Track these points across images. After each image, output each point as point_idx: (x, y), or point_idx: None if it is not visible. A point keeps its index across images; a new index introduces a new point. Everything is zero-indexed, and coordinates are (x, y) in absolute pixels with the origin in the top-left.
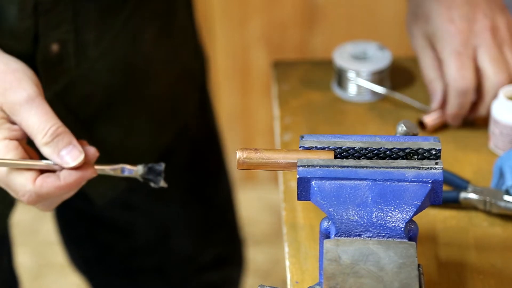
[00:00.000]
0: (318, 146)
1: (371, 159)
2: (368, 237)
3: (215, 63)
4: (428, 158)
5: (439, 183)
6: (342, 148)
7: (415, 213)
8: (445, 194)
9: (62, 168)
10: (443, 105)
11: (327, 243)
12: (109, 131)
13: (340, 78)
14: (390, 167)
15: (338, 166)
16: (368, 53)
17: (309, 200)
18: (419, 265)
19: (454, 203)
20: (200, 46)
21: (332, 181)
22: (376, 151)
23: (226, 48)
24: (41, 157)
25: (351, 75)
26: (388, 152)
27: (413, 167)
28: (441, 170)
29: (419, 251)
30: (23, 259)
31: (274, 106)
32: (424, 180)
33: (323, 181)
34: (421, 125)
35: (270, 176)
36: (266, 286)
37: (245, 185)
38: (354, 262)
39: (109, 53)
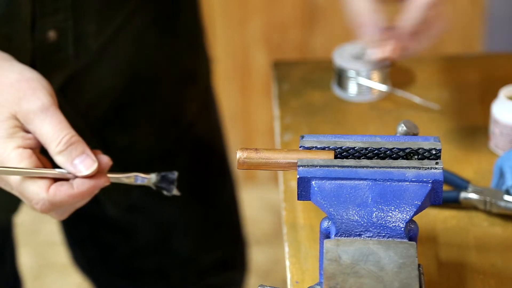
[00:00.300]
0: (318, 146)
1: (371, 159)
2: (368, 237)
3: (215, 63)
4: (428, 158)
5: (439, 183)
6: (342, 148)
7: (415, 213)
8: (445, 194)
9: (76, 177)
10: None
11: (327, 243)
12: (115, 134)
13: (340, 78)
14: (390, 167)
15: (338, 166)
16: (368, 53)
17: (309, 200)
18: (419, 265)
19: (454, 203)
20: (206, 48)
21: (332, 181)
22: (376, 151)
23: (226, 48)
24: (54, 166)
25: (351, 75)
26: (388, 152)
27: (413, 167)
28: (441, 170)
29: (419, 251)
30: (24, 259)
31: (274, 106)
32: (424, 180)
33: (323, 181)
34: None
35: (270, 176)
36: (266, 286)
37: (246, 185)
38: (354, 262)
39: (110, 50)
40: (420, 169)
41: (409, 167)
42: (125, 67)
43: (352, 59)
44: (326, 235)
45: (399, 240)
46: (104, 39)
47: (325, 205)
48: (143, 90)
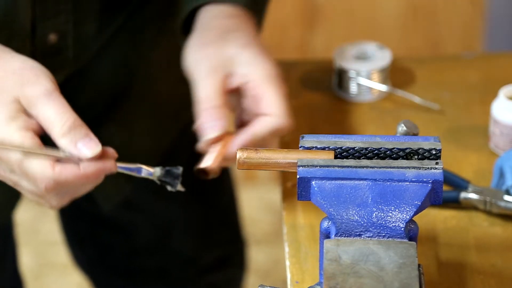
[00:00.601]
0: (318, 146)
1: (371, 159)
2: (368, 237)
3: None
4: (428, 158)
5: (439, 183)
6: (343, 148)
7: (415, 213)
8: (445, 194)
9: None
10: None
11: (327, 243)
12: (113, 132)
13: (340, 78)
14: (390, 167)
15: (338, 166)
16: (368, 53)
17: (309, 200)
18: (419, 265)
19: (454, 203)
20: None
21: (332, 181)
22: (376, 151)
23: None
24: None
25: (351, 75)
26: (388, 152)
27: (413, 167)
28: (441, 170)
29: (419, 251)
30: (24, 259)
31: None
32: (424, 180)
33: (323, 181)
34: (203, 173)
35: (270, 176)
36: (266, 286)
37: (245, 185)
38: (354, 262)
39: (108, 49)
40: (420, 169)
41: (409, 167)
42: (123, 66)
43: (352, 59)
44: (326, 235)
45: (399, 240)
46: (103, 39)
47: (325, 205)
48: (142, 88)
